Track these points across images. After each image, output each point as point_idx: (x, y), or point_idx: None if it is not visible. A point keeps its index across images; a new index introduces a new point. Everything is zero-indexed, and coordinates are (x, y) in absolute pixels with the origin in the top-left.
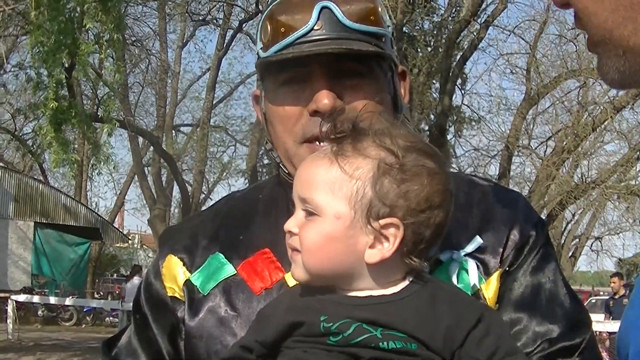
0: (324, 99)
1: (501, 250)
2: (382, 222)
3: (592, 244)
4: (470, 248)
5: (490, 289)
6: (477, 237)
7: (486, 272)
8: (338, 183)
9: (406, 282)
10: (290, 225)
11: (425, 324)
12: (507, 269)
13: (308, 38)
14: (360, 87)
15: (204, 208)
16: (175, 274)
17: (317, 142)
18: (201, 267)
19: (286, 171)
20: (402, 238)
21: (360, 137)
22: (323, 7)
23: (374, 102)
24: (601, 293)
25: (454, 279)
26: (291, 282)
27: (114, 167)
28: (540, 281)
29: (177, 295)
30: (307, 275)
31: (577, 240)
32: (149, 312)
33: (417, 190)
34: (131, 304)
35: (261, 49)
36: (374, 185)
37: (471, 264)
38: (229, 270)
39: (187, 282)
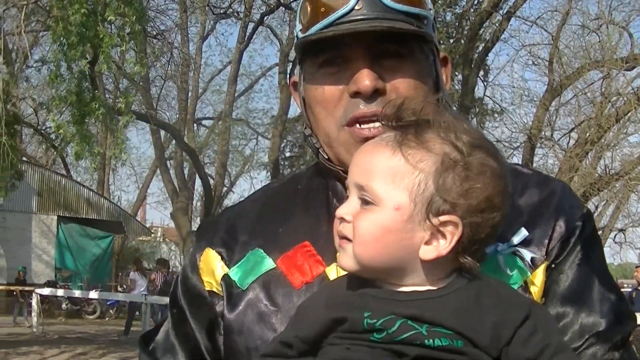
0: (365, 79)
1: (547, 242)
2: (442, 218)
3: (615, 236)
4: (515, 240)
5: (536, 282)
6: (523, 229)
7: (531, 264)
8: (400, 173)
9: (452, 278)
10: (343, 211)
11: (471, 320)
12: (553, 261)
13: (348, 18)
14: (401, 69)
15: (226, 201)
16: (214, 268)
17: (358, 125)
18: (240, 263)
19: (326, 157)
20: (459, 237)
21: (424, 129)
22: None
23: (415, 84)
24: (625, 285)
25: (500, 272)
26: (332, 277)
27: (126, 160)
28: (587, 274)
29: (215, 289)
30: (356, 265)
31: (601, 232)
32: (186, 307)
33: (480, 189)
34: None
35: (300, 30)
36: (437, 180)
37: (515, 263)
38: (269, 264)
39: (225, 277)
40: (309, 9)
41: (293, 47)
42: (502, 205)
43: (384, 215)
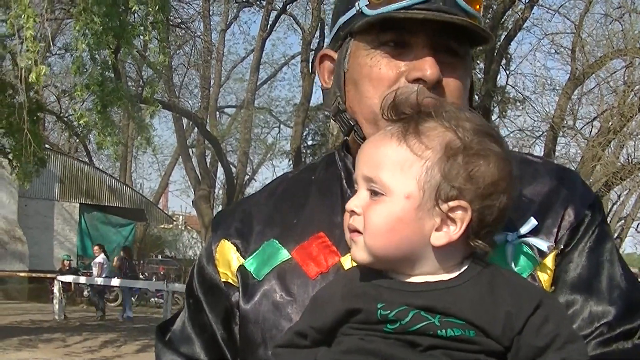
0: (432, 68)
1: (556, 230)
2: (451, 204)
3: (637, 225)
4: (524, 230)
5: (545, 271)
6: (532, 218)
7: (541, 253)
8: (408, 163)
9: (464, 267)
10: (353, 204)
11: (483, 310)
12: (563, 249)
13: (425, 5)
14: (455, 67)
15: (248, 189)
16: (229, 259)
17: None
18: (255, 253)
19: (361, 135)
20: (469, 221)
21: (426, 119)
22: None
23: (462, 85)
24: None
25: (509, 261)
26: (347, 267)
27: (153, 150)
28: (596, 262)
29: (230, 280)
30: (369, 257)
31: (623, 221)
32: (202, 297)
33: (485, 173)
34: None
35: (367, 5)
36: (443, 167)
37: (524, 252)
38: (284, 254)
39: (241, 268)
40: None
41: (346, 18)
42: (508, 188)
43: (395, 205)
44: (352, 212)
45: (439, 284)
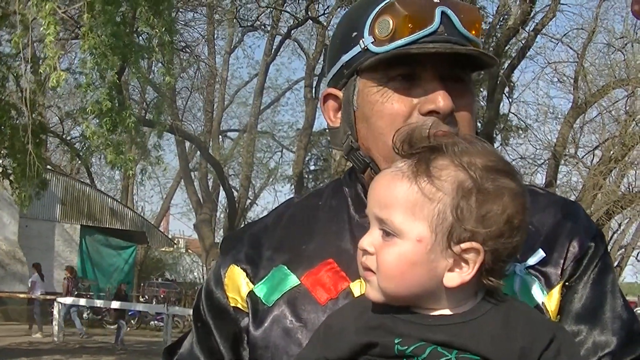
0: (445, 100)
1: (562, 262)
2: (463, 246)
3: (638, 254)
4: (532, 261)
5: (552, 302)
6: (540, 250)
7: (548, 284)
8: (419, 205)
9: (477, 299)
10: (365, 244)
11: (499, 345)
12: (567, 280)
13: (431, 38)
14: (463, 94)
15: (250, 213)
16: (239, 284)
17: None
18: (264, 279)
19: (377, 171)
20: (481, 262)
21: (438, 157)
22: (442, 12)
23: (472, 109)
24: None
25: (517, 292)
26: (356, 292)
27: (164, 170)
28: (599, 293)
29: (239, 305)
30: (382, 297)
31: (623, 250)
32: (211, 321)
33: (498, 213)
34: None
35: (372, 43)
36: (455, 209)
37: (532, 283)
38: (293, 280)
39: (251, 294)
40: (391, 23)
41: (349, 57)
42: (522, 224)
43: (407, 247)
44: (365, 251)
45: (455, 317)
